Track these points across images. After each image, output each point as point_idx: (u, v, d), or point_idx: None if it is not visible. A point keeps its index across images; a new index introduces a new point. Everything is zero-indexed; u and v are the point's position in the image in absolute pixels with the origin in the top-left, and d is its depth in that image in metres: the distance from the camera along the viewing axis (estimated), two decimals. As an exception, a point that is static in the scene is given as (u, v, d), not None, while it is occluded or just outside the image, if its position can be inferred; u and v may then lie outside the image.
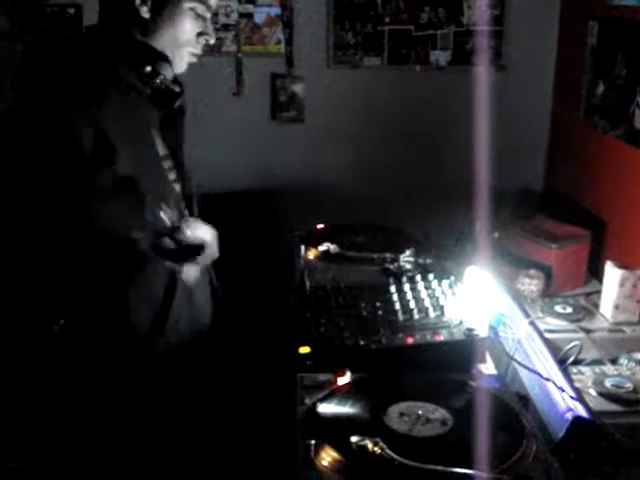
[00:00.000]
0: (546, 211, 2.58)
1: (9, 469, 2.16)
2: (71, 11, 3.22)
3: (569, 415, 1.40)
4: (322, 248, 2.21)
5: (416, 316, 1.70)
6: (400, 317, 1.71)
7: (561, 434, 1.38)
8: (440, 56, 3.29)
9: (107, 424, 1.54)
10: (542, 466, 1.23)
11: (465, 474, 1.16)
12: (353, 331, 1.66)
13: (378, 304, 1.79)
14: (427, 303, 1.75)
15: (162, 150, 1.63)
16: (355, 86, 3.31)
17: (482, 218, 2.28)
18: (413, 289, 1.85)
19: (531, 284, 2.11)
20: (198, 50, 1.63)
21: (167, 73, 1.57)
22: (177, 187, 1.70)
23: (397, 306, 1.75)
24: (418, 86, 3.30)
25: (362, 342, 1.62)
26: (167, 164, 1.65)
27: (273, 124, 3.39)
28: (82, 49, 1.54)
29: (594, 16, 2.75)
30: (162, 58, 1.57)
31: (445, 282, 1.88)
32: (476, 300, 1.77)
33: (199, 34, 1.60)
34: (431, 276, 1.91)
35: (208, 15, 1.61)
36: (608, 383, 1.55)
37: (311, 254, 2.21)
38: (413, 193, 3.20)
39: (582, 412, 1.40)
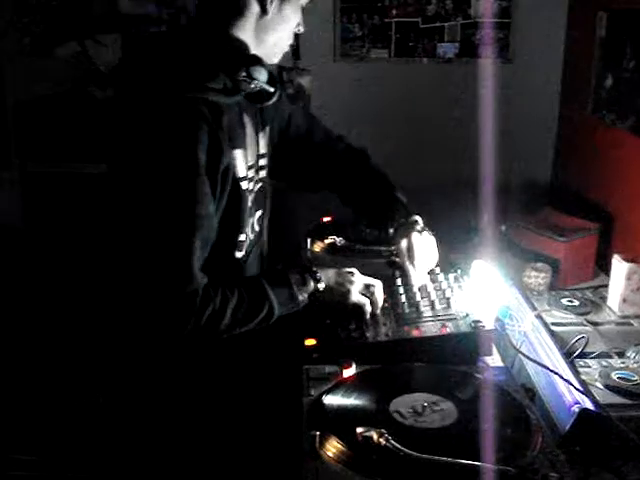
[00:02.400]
0: (554, 204, 2.57)
1: (15, 461, 2.17)
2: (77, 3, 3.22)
3: (576, 408, 1.39)
4: (328, 241, 2.21)
5: (422, 309, 1.70)
6: (406, 310, 1.71)
7: (567, 427, 1.38)
8: (447, 49, 3.27)
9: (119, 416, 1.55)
10: (548, 459, 1.23)
11: (470, 466, 1.16)
12: (359, 323, 1.66)
13: (384, 296, 1.79)
14: (433, 296, 1.75)
15: (252, 158, 1.59)
16: (362, 79, 3.30)
17: (489, 211, 2.28)
18: (419, 282, 1.85)
19: (538, 277, 2.10)
20: (292, 41, 1.60)
21: (261, 76, 1.50)
22: (254, 196, 1.64)
23: (403, 299, 1.75)
24: (425, 79, 3.29)
25: (368, 334, 1.62)
26: (245, 184, 1.57)
27: (280, 117, 3.38)
28: (176, 60, 1.45)
29: (603, 7, 2.73)
30: (256, 61, 1.50)
31: (452, 275, 1.87)
32: (483, 293, 1.77)
33: (296, 25, 1.57)
34: (437, 269, 1.91)
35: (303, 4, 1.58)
36: (615, 376, 1.55)
37: (317, 247, 2.21)
38: (420, 186, 3.18)
39: (589, 405, 1.40)
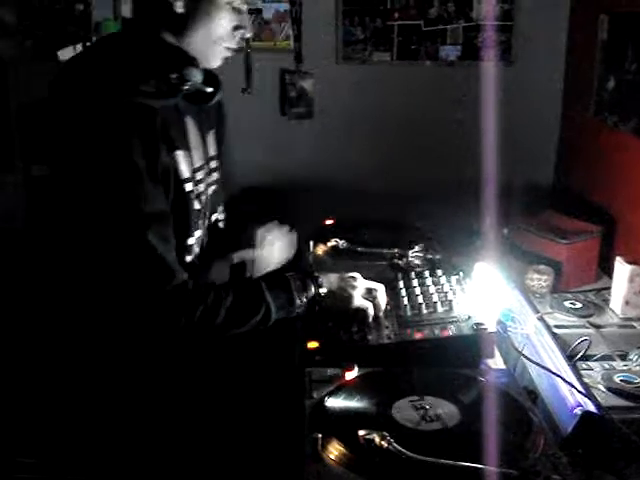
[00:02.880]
0: (556, 207, 2.57)
1: (17, 464, 2.17)
2: (80, 7, 3.23)
3: (578, 410, 1.39)
4: (331, 243, 2.22)
5: (424, 311, 1.70)
6: (408, 312, 1.71)
7: (570, 429, 1.37)
8: (450, 51, 3.28)
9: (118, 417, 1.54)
10: (550, 461, 1.22)
11: (472, 468, 1.16)
12: (361, 326, 1.66)
13: (387, 300, 1.79)
14: (435, 298, 1.75)
15: (199, 160, 1.58)
16: (364, 82, 3.31)
17: (492, 214, 2.28)
18: (421, 284, 1.85)
19: (541, 280, 2.10)
20: (234, 44, 1.55)
21: (195, 77, 1.50)
22: (204, 199, 1.63)
23: (405, 301, 1.75)
24: (427, 81, 3.29)
25: (370, 337, 1.62)
26: (201, 174, 1.58)
27: (282, 120, 3.39)
28: (108, 65, 1.45)
29: (605, 10, 2.73)
30: (187, 63, 1.49)
31: (454, 278, 1.87)
32: (485, 295, 1.77)
33: (235, 28, 1.53)
34: (440, 272, 1.91)
35: (245, 7, 1.53)
36: (617, 378, 1.54)
37: (320, 249, 2.21)
38: (422, 188, 3.19)
39: (591, 407, 1.40)
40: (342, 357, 1.54)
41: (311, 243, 2.16)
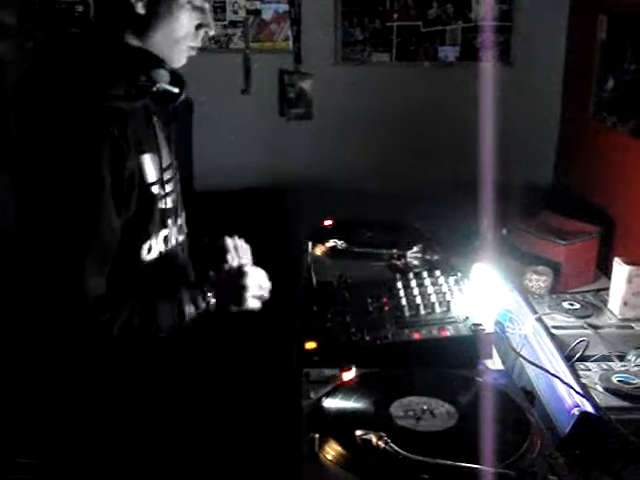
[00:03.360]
0: (555, 207, 2.57)
1: (16, 465, 2.17)
2: (79, 8, 3.23)
3: (575, 411, 1.39)
4: (329, 244, 2.22)
5: (422, 312, 1.70)
6: (406, 313, 1.71)
7: (567, 430, 1.38)
8: (449, 52, 3.28)
9: (115, 419, 1.54)
10: (547, 462, 1.22)
11: (469, 468, 1.16)
12: (359, 327, 1.66)
13: (385, 300, 1.79)
14: (434, 299, 1.75)
15: (167, 159, 1.57)
16: (363, 82, 3.31)
17: (490, 214, 2.28)
18: (420, 285, 1.85)
19: (539, 280, 2.10)
20: (197, 43, 1.55)
21: (163, 78, 1.50)
22: (175, 196, 1.63)
23: (403, 302, 1.75)
24: (426, 82, 3.30)
25: (368, 338, 1.62)
26: (169, 173, 1.58)
27: (281, 120, 3.39)
28: (76, 70, 1.43)
29: (603, 10, 2.73)
30: (155, 64, 1.49)
31: (452, 278, 1.88)
32: (483, 296, 1.77)
33: (198, 26, 1.52)
34: (438, 272, 1.91)
35: (206, 5, 1.52)
36: (615, 379, 1.55)
37: (318, 250, 2.21)
38: (421, 189, 3.19)
39: (589, 408, 1.40)
40: (340, 358, 1.54)
41: (309, 244, 2.16)
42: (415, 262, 2.08)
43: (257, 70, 3.30)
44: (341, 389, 1.43)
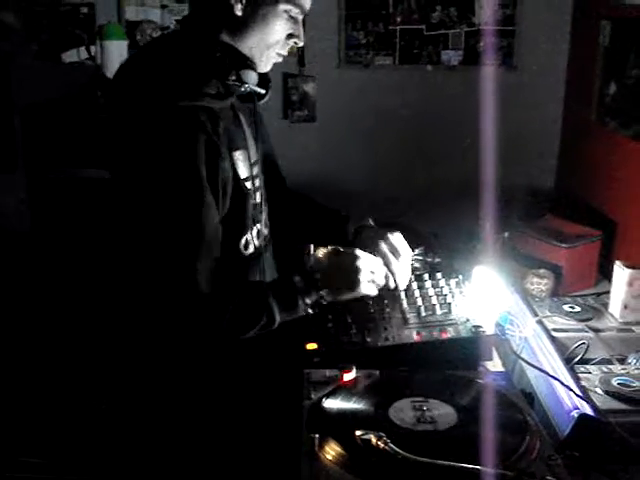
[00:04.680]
0: (557, 211, 2.58)
1: (20, 464, 2.18)
2: (84, 10, 3.25)
3: (575, 413, 1.40)
4: (332, 246, 2.22)
5: (423, 313, 1.71)
6: (407, 314, 1.71)
7: (567, 432, 1.38)
8: (451, 56, 3.29)
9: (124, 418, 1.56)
10: (546, 464, 1.23)
11: (469, 469, 1.17)
12: (360, 328, 1.66)
13: (385, 301, 1.79)
14: (434, 301, 1.75)
15: (254, 155, 1.60)
16: (366, 86, 3.32)
17: (492, 217, 2.28)
18: (421, 287, 1.85)
19: (540, 284, 2.10)
20: (285, 51, 1.58)
21: (251, 79, 1.52)
22: (262, 190, 1.65)
23: (404, 304, 1.76)
24: (429, 86, 3.31)
25: (369, 339, 1.62)
26: (257, 169, 1.61)
27: (285, 123, 3.40)
28: (171, 68, 1.47)
29: (606, 16, 2.74)
30: (246, 65, 1.51)
31: (453, 281, 1.88)
32: (484, 298, 1.77)
33: (289, 36, 1.55)
34: (439, 274, 1.91)
35: (300, 17, 1.56)
36: (615, 382, 1.55)
37: (320, 252, 2.21)
38: (423, 192, 3.20)
39: (588, 410, 1.40)
40: (341, 359, 1.54)
41: (312, 246, 2.17)
42: (416, 264, 2.08)
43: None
44: (341, 390, 1.44)
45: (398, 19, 3.27)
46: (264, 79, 1.61)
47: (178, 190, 1.40)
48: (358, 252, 1.58)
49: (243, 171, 1.55)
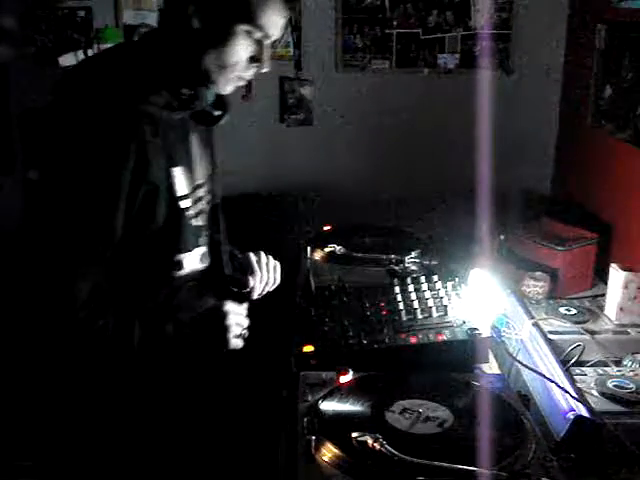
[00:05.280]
0: (553, 214, 2.58)
1: (14, 467, 2.18)
2: (81, 14, 3.25)
3: (570, 415, 1.40)
4: (328, 249, 2.23)
5: (419, 316, 1.72)
6: (404, 317, 1.72)
7: (562, 434, 1.39)
8: (448, 59, 3.29)
9: (111, 421, 1.55)
10: (542, 465, 1.24)
11: (464, 470, 1.17)
12: (357, 330, 1.67)
13: (382, 304, 1.80)
14: (431, 303, 1.76)
15: (200, 177, 1.55)
16: (363, 89, 3.32)
17: (488, 220, 2.29)
18: (417, 290, 1.86)
19: (537, 286, 2.11)
20: (248, 75, 1.48)
21: (207, 97, 1.47)
22: (205, 217, 1.61)
23: (401, 306, 1.76)
24: (426, 89, 3.31)
25: (365, 341, 1.63)
26: (202, 192, 1.57)
27: (281, 127, 3.41)
28: (120, 72, 1.43)
29: (602, 19, 2.75)
30: (203, 82, 1.45)
31: (449, 283, 1.89)
32: (480, 301, 1.78)
33: (251, 59, 1.45)
34: (435, 277, 1.92)
35: (267, 41, 1.45)
36: (611, 384, 1.55)
37: (317, 255, 2.23)
38: (419, 195, 3.20)
39: (584, 412, 1.41)
40: (337, 361, 1.55)
41: (308, 248, 2.18)
42: (413, 267, 2.10)
43: (257, 77, 3.30)
44: (338, 392, 1.44)
45: (395, 23, 3.27)
46: (222, 101, 1.55)
47: (92, 187, 1.34)
48: (227, 307, 1.51)
49: (181, 188, 1.47)
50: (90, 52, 3.24)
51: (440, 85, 3.30)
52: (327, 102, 3.33)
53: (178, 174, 1.46)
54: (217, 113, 1.53)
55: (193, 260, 1.54)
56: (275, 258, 1.78)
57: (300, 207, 3.26)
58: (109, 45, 3.13)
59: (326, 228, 2.49)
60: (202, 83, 1.47)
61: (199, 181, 1.55)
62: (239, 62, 1.44)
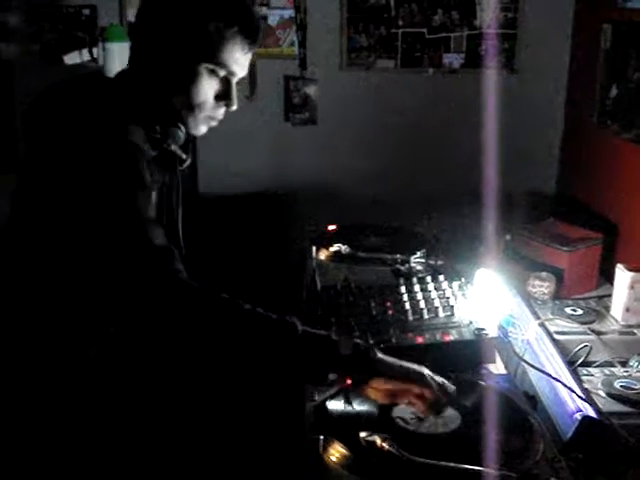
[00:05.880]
0: (558, 214, 2.58)
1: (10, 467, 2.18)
2: (86, 12, 3.25)
3: (578, 415, 1.40)
4: (334, 249, 2.23)
5: (426, 316, 1.71)
6: (410, 317, 1.72)
7: (570, 434, 1.38)
8: (453, 59, 3.30)
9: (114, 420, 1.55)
10: (550, 465, 1.23)
11: (472, 471, 1.17)
12: (363, 330, 1.67)
13: (388, 304, 1.80)
14: (437, 303, 1.76)
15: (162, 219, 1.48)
16: (368, 88, 3.33)
17: (494, 220, 2.29)
18: (423, 290, 1.85)
19: (542, 287, 2.10)
20: (219, 115, 1.46)
21: (177, 138, 1.42)
22: None
23: (407, 306, 1.76)
24: (431, 89, 3.31)
25: (372, 341, 1.63)
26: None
27: (286, 126, 3.41)
28: (98, 102, 1.37)
29: (608, 19, 2.75)
30: (174, 122, 1.41)
31: (455, 283, 1.88)
32: (486, 301, 1.78)
33: (219, 97, 1.43)
34: (441, 277, 1.92)
35: (233, 79, 1.42)
36: (617, 384, 1.55)
37: (323, 254, 2.22)
38: (425, 195, 3.21)
39: (591, 412, 1.40)
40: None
41: (314, 248, 2.17)
42: (419, 267, 2.09)
43: (262, 76, 3.31)
44: (345, 392, 1.44)
45: (400, 22, 3.27)
46: (187, 144, 1.49)
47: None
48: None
49: None
50: (95, 50, 3.24)
51: (445, 85, 3.31)
52: (332, 101, 3.34)
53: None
54: (184, 156, 1.48)
55: None
56: (280, 257, 1.78)
57: (305, 206, 3.26)
58: (114, 43, 3.16)
59: (331, 228, 2.48)
60: (173, 123, 1.42)
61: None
62: (206, 101, 1.42)
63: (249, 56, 1.43)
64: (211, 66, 1.39)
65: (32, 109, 1.43)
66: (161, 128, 1.40)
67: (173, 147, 1.42)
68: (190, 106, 1.41)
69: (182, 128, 1.43)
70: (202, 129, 1.47)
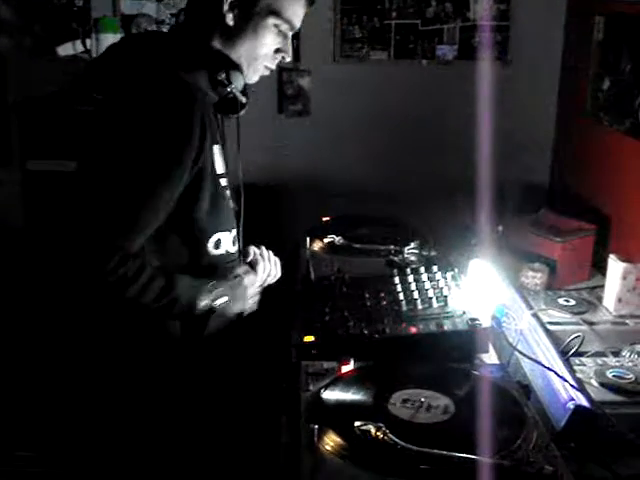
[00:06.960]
0: (551, 205, 2.60)
1: (16, 457, 2.18)
2: (79, 3, 3.24)
3: (570, 405, 1.41)
4: (327, 240, 2.23)
5: (419, 306, 1.72)
6: (404, 307, 1.73)
7: (562, 423, 1.40)
8: (446, 51, 3.30)
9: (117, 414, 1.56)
10: (543, 454, 1.24)
11: (466, 459, 1.18)
12: (357, 321, 1.68)
13: (382, 295, 1.81)
14: (431, 294, 1.77)
15: (220, 168, 1.57)
16: (361, 80, 3.32)
17: (487, 211, 2.30)
18: (417, 280, 1.86)
19: (535, 277, 2.12)
20: (273, 65, 1.60)
21: (238, 83, 1.54)
22: (232, 205, 1.64)
23: (401, 297, 1.77)
24: (424, 80, 3.31)
25: (366, 331, 1.64)
26: (224, 181, 1.58)
27: (280, 117, 3.40)
28: (163, 53, 1.51)
29: (600, 11, 2.75)
30: (236, 67, 1.54)
31: (449, 274, 1.89)
32: (480, 292, 1.79)
33: (277, 50, 1.57)
34: (435, 268, 1.93)
35: (290, 34, 1.58)
36: (610, 374, 1.57)
37: (316, 246, 2.23)
38: (418, 186, 3.21)
39: (583, 402, 1.41)
40: (338, 351, 1.55)
41: (308, 239, 2.18)
42: (412, 258, 2.10)
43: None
44: (340, 381, 1.45)
45: (393, 14, 3.27)
46: (245, 92, 1.61)
47: (158, 152, 1.39)
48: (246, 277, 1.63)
49: (219, 166, 1.55)
50: (88, 42, 3.23)
51: (438, 76, 3.30)
52: (325, 93, 3.33)
53: (217, 152, 1.54)
54: (244, 100, 1.59)
55: (228, 241, 1.59)
56: (274, 249, 1.79)
57: (298, 198, 3.26)
58: (107, 35, 3.15)
59: (325, 219, 2.49)
60: (235, 67, 1.54)
61: (224, 169, 1.59)
62: (268, 53, 1.57)
63: (305, 10, 1.58)
64: (278, 21, 1.53)
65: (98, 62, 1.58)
66: (225, 72, 1.52)
67: (235, 91, 1.54)
68: (253, 57, 1.55)
69: (243, 73, 1.55)
70: (256, 78, 1.61)
